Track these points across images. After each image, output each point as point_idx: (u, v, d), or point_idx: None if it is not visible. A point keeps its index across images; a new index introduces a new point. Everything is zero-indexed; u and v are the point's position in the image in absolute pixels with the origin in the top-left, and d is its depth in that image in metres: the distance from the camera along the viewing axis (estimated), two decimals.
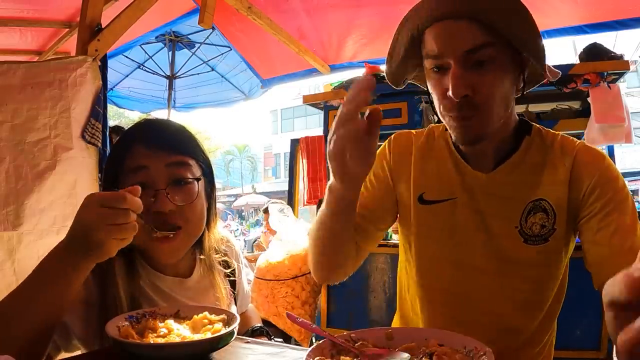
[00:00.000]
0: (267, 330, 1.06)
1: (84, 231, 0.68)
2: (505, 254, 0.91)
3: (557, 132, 0.95)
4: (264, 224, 5.42)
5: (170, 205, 0.84)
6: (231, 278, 1.08)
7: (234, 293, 1.09)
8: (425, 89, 0.94)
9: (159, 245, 0.86)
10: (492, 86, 0.81)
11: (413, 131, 1.06)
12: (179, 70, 4.56)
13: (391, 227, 1.22)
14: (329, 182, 0.82)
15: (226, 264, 1.07)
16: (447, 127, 0.90)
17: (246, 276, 1.18)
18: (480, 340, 0.65)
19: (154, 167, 0.85)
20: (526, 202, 0.89)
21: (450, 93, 0.80)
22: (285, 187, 3.60)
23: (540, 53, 0.83)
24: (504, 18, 0.79)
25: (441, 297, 0.97)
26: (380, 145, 0.98)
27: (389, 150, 1.04)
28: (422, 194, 0.98)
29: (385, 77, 0.98)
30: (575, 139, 0.94)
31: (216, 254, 1.03)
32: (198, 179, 0.90)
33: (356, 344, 0.68)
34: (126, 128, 0.96)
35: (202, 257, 1.00)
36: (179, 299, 0.94)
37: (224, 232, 1.13)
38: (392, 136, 1.06)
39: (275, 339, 1.06)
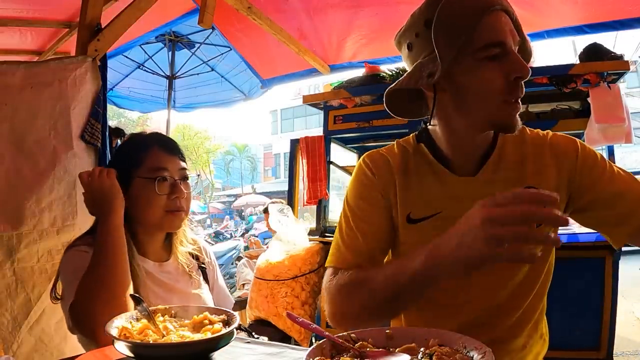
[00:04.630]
0: (247, 328, 1.12)
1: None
2: None
3: (524, 127, 0.99)
4: (265, 223, 5.42)
5: (184, 193, 1.18)
6: (202, 265, 1.33)
7: (207, 284, 1.31)
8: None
9: (171, 218, 1.17)
10: None
11: (382, 150, 1.05)
12: (178, 70, 4.55)
13: None
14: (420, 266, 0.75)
15: (197, 258, 1.33)
16: (502, 118, 0.88)
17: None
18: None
19: (172, 168, 1.18)
20: None
21: (520, 74, 0.84)
22: (285, 187, 3.60)
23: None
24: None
25: (433, 304, 0.98)
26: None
27: (372, 172, 1.01)
28: (409, 213, 0.97)
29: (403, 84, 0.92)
30: (541, 130, 1.00)
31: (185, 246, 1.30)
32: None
33: (356, 344, 0.68)
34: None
35: (178, 245, 1.27)
36: (159, 278, 1.19)
37: (192, 234, 1.37)
38: (365, 158, 1.04)
39: (260, 337, 1.09)
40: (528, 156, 0.95)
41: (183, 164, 1.22)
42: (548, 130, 0.99)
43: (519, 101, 0.87)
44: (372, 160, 1.03)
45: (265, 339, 1.06)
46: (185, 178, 1.21)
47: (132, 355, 0.71)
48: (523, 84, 0.86)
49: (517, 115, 0.88)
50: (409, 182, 0.98)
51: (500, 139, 0.96)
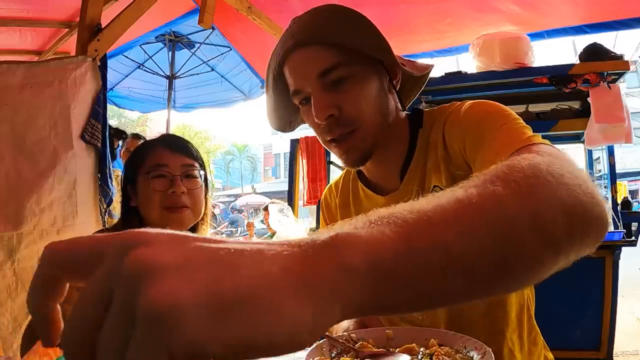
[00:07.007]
0: None
1: None
2: None
3: (442, 112, 0.86)
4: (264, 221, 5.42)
5: (182, 188, 1.11)
6: None
7: None
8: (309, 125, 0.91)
9: (170, 215, 1.10)
10: (357, 100, 0.79)
11: (333, 183, 1.07)
12: (178, 70, 4.56)
13: None
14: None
15: None
16: (337, 157, 0.86)
17: None
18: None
19: (172, 165, 1.13)
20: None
21: (316, 120, 0.78)
22: (285, 187, 3.60)
23: (386, 51, 0.81)
24: (345, 32, 0.81)
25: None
26: None
27: (324, 216, 1.08)
28: None
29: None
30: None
31: None
32: (200, 177, 1.19)
33: (356, 344, 0.68)
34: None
35: None
36: None
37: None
38: (321, 199, 1.10)
39: None
40: (442, 136, 0.83)
41: (188, 160, 1.16)
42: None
43: (342, 140, 0.80)
44: (324, 201, 1.08)
45: None
46: (188, 175, 1.16)
47: None
48: (341, 121, 0.78)
49: (349, 153, 0.81)
50: (347, 213, 0.99)
51: (420, 135, 0.86)
